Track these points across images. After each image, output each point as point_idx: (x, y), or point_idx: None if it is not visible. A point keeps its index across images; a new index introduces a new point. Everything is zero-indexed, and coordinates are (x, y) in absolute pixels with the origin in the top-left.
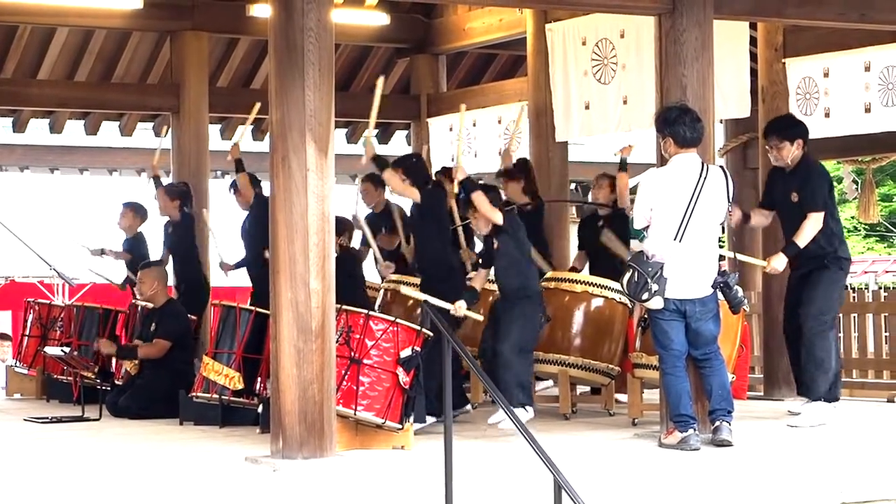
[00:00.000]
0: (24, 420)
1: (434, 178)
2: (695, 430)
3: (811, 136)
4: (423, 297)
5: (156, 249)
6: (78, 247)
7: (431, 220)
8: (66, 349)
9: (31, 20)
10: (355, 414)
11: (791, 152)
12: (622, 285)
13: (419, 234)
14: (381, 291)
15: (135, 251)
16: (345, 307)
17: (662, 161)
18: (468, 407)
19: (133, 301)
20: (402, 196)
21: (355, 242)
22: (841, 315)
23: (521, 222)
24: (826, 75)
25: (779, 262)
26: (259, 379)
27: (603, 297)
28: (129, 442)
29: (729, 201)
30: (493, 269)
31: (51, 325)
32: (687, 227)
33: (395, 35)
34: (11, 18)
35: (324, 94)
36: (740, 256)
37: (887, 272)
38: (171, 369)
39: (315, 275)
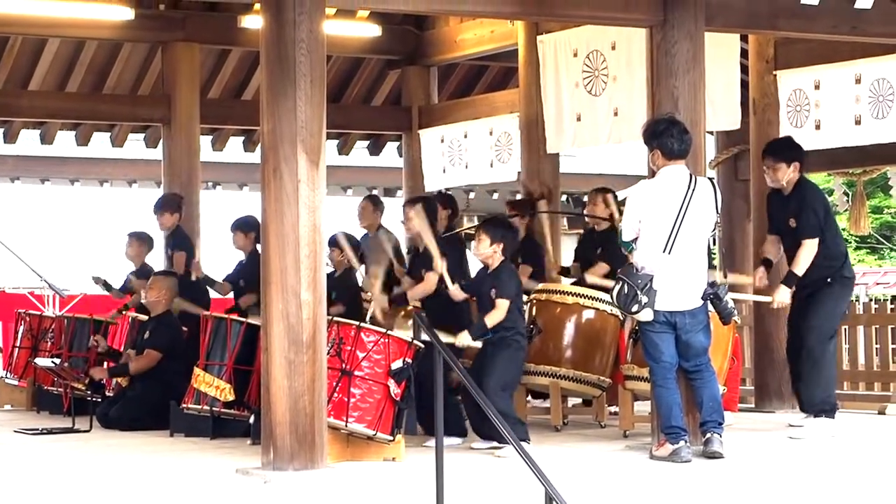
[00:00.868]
0: (15, 431)
1: (431, 198)
2: (686, 442)
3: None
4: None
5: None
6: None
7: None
8: (57, 360)
9: (23, 31)
10: (346, 425)
11: (787, 174)
12: (612, 297)
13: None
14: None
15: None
16: (336, 318)
17: (651, 173)
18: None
19: (129, 315)
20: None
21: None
22: None
23: (514, 270)
24: (817, 87)
25: (783, 296)
26: (250, 390)
27: (594, 308)
28: (119, 454)
29: (717, 213)
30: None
31: (41, 336)
32: (676, 239)
33: (386, 46)
34: (2, 29)
35: (315, 105)
36: (746, 296)
37: (878, 284)
38: (162, 381)
39: (306, 286)
